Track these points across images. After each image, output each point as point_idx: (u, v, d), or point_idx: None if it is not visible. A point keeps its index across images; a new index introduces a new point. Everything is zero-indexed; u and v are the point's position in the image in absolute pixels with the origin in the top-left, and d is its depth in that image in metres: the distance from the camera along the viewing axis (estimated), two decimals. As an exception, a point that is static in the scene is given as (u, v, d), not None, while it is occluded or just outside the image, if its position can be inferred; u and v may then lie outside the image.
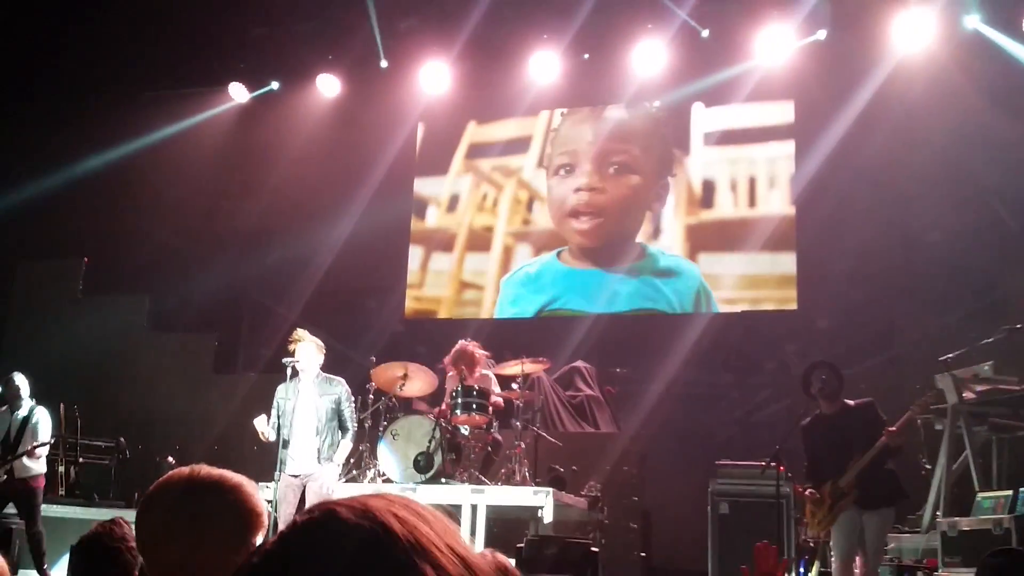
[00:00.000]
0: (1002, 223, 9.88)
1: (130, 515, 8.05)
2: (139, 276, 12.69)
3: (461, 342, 9.04)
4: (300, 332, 7.45)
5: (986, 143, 9.88)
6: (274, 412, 7.34)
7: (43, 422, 8.27)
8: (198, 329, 12.65)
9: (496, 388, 9.02)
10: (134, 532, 1.99)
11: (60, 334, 12.14)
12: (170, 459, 10.38)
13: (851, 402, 6.50)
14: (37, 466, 8.14)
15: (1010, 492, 6.56)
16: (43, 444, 8.14)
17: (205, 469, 2.02)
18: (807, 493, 6.48)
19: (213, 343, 12.50)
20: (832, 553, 6.44)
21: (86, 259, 12.82)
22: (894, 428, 6.12)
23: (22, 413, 8.22)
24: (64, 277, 12.90)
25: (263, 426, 7.23)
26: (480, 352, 8.99)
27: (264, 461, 7.41)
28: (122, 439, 10.39)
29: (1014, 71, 9.98)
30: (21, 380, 8.31)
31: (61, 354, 11.69)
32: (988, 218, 9.94)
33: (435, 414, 8.57)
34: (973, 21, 10.22)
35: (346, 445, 7.40)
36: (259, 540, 1.98)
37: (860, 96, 10.47)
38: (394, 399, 8.97)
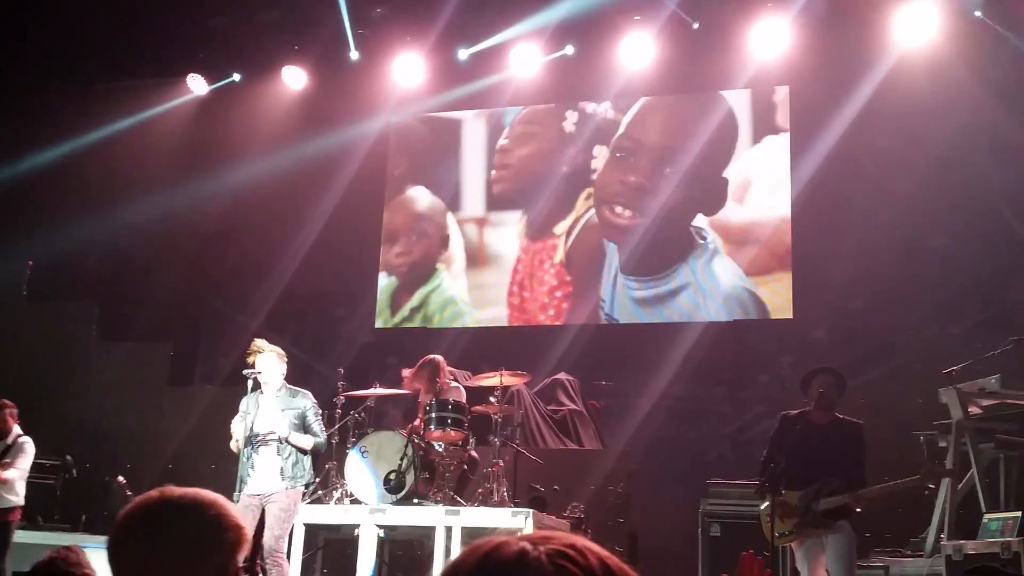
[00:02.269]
0: (1009, 228, 9.94)
1: (75, 538, 7.95)
2: (88, 280, 12.56)
3: (428, 356, 9.05)
4: (259, 342, 7.39)
5: (993, 144, 9.95)
6: (243, 426, 7.28)
7: (25, 451, 8.50)
8: (151, 338, 12.51)
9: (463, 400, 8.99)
10: (112, 562, 1.96)
11: (1, 342, 11.99)
12: (120, 479, 10.26)
13: (841, 416, 6.50)
14: (14, 496, 8.33)
15: (1019, 513, 6.57)
16: (6, 464, 8.32)
17: (176, 489, 2.00)
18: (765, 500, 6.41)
19: (168, 353, 12.38)
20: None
21: (30, 262, 12.68)
22: (863, 495, 6.11)
23: (7, 442, 8.47)
24: (7, 281, 12.74)
25: (237, 431, 7.17)
26: (447, 368, 9.01)
27: (222, 480, 7.33)
28: (68, 457, 10.26)
29: (1022, 67, 10.05)
30: (12, 408, 8.59)
31: (2, 364, 11.54)
32: (995, 223, 9.99)
33: (407, 430, 8.54)
34: (980, 14, 10.29)
35: (310, 440, 7.27)
36: (242, 556, 1.96)
37: (859, 92, 10.53)
38: (363, 414, 8.92)
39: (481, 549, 1.18)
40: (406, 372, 9.34)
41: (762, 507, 6.48)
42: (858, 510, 6.27)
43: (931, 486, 7.05)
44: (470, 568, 1.15)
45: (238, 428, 7.19)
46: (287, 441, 7.15)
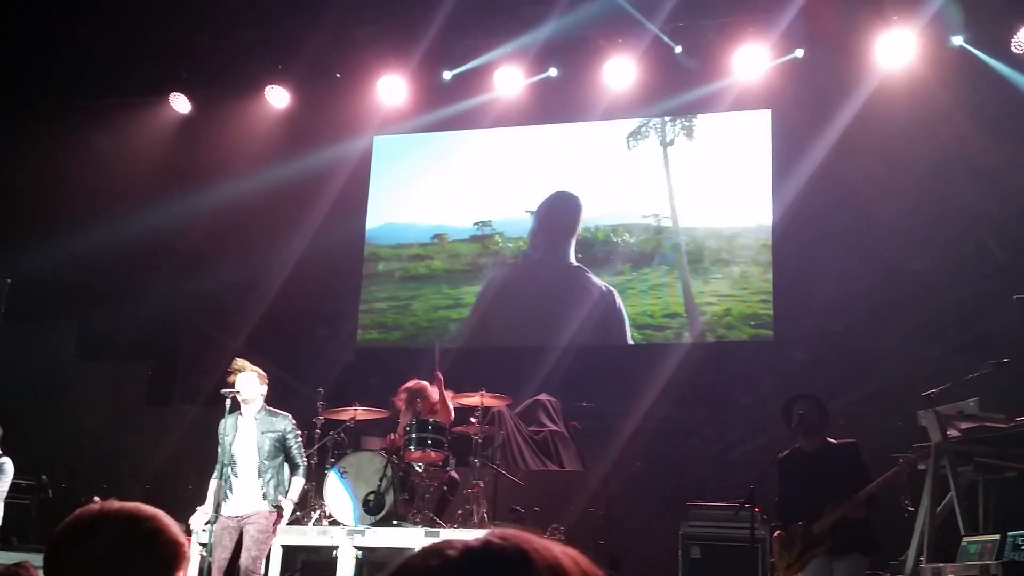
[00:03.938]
0: (989, 252, 10.02)
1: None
2: (67, 300, 12.48)
3: (413, 380, 9.03)
4: (240, 361, 7.36)
5: (973, 168, 10.04)
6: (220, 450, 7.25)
7: (4, 472, 8.45)
8: (131, 357, 12.45)
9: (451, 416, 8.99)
10: None
11: (-22, 362, 11.89)
12: (97, 499, 10.15)
13: (833, 440, 6.52)
14: None
15: (997, 536, 6.57)
16: None
17: (116, 503, 1.97)
18: (775, 535, 6.49)
19: (147, 373, 12.30)
20: None
21: (9, 280, 12.59)
22: (857, 499, 6.12)
23: None
24: (-16, 300, 12.64)
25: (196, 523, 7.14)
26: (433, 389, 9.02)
27: (201, 501, 7.28)
28: (44, 477, 10.18)
29: (1002, 93, 10.16)
30: None
31: (-21, 383, 11.45)
32: (974, 247, 10.09)
33: (388, 443, 8.52)
34: (959, 40, 10.42)
35: (298, 483, 7.29)
36: (182, 574, 1.94)
37: (840, 117, 10.62)
38: (343, 434, 8.89)
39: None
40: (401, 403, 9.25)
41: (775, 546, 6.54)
42: (861, 517, 6.21)
43: (921, 467, 7.16)
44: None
45: (197, 520, 7.13)
46: (293, 508, 7.21)
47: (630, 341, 11.44)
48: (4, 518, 9.22)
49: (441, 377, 9.10)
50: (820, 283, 10.56)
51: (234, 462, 7.10)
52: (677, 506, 8.76)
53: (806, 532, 6.26)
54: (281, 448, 7.19)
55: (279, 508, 7.09)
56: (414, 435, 8.30)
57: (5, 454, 8.60)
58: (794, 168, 10.90)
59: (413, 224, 12.63)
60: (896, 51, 10.50)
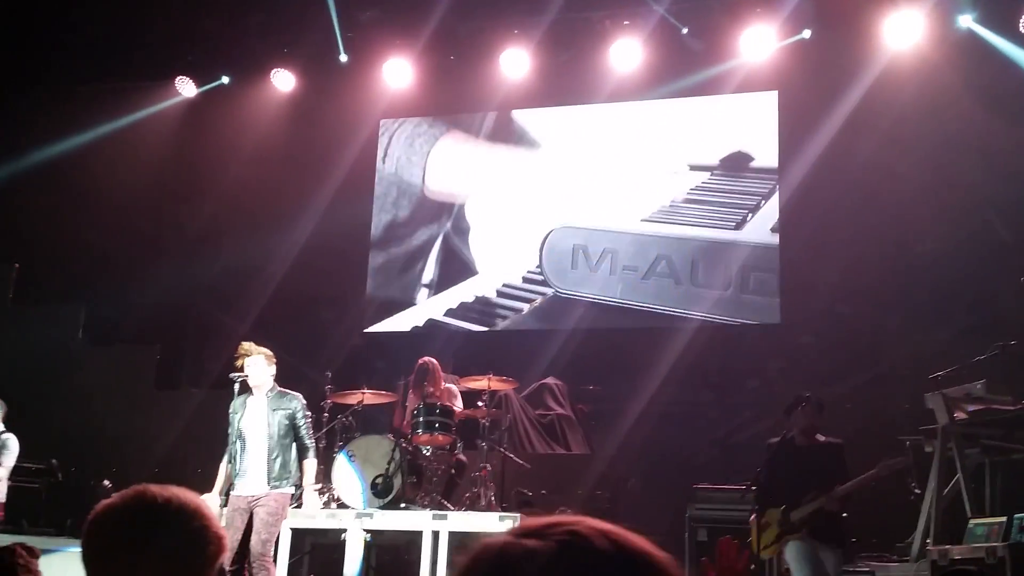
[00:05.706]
0: (996, 234, 10.00)
1: (61, 543, 7.89)
2: (75, 283, 12.51)
3: (422, 359, 9.06)
4: (247, 345, 7.38)
5: (980, 150, 10.01)
6: (230, 431, 7.30)
7: (9, 448, 8.51)
8: (139, 341, 12.48)
9: (459, 403, 9.01)
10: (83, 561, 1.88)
11: (-13, 345, 11.94)
12: (106, 483, 10.22)
13: (822, 438, 6.77)
14: None
15: (1004, 518, 6.59)
16: None
17: (156, 490, 1.90)
18: (751, 518, 6.74)
19: (155, 356, 12.34)
20: None
21: (17, 264, 12.64)
22: (835, 494, 6.36)
23: None
24: (-8, 284, 12.69)
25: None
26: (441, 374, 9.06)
27: (209, 484, 7.32)
28: (54, 461, 10.23)
29: (1010, 74, 10.12)
30: None
31: (-12, 367, 11.50)
32: (982, 229, 10.06)
33: (396, 427, 8.56)
34: (967, 21, 10.37)
35: (311, 465, 7.33)
36: (225, 562, 1.93)
37: (848, 99, 10.59)
38: (350, 417, 8.93)
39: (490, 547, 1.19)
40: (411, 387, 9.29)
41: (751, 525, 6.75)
42: (844, 515, 6.47)
43: (928, 449, 7.39)
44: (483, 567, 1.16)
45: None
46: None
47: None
48: (13, 501, 9.28)
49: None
50: (826, 266, 10.54)
51: (244, 440, 7.13)
52: (684, 489, 8.79)
53: (784, 518, 6.53)
54: (291, 427, 7.22)
55: (298, 495, 7.20)
56: (422, 418, 8.33)
57: (8, 431, 8.62)
58: (801, 149, 10.86)
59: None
60: (903, 32, 10.46)
